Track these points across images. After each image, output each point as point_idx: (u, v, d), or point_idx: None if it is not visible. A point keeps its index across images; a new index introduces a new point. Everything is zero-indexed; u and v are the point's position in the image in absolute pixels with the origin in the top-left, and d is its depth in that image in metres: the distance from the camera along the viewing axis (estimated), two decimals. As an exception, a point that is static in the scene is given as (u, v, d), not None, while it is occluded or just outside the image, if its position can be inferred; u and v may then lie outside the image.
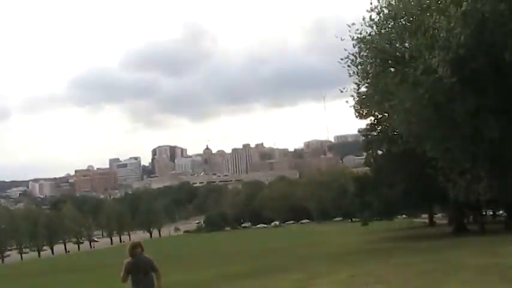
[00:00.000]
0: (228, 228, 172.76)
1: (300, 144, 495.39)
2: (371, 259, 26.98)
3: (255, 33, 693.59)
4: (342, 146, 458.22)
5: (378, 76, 36.58)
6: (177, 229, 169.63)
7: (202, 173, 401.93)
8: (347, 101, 54.19)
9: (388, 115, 39.47)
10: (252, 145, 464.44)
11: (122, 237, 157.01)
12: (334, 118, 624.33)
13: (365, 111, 59.48)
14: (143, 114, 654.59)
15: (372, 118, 61.42)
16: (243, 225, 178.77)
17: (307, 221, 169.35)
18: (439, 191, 51.25)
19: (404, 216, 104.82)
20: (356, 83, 43.30)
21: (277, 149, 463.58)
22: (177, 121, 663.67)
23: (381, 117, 57.09)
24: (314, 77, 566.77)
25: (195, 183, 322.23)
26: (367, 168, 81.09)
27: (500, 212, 75.90)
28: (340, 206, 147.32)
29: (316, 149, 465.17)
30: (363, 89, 44.74)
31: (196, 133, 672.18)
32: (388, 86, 34.97)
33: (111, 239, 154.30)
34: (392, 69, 35.59)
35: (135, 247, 11.68)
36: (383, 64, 36.07)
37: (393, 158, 56.41)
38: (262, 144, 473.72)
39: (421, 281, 14.70)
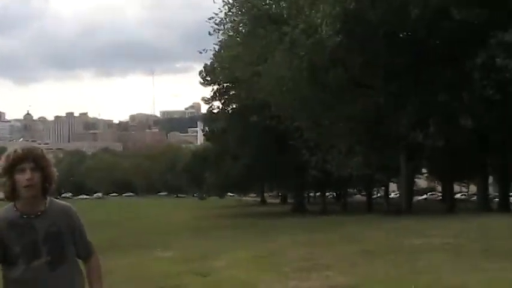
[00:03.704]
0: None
1: (125, 117, 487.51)
2: (253, 236, 23.50)
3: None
4: (168, 122, 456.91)
5: (249, 35, 33.27)
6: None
7: (22, 139, 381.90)
8: (212, 63, 50.90)
9: (252, 80, 35.88)
10: (76, 114, 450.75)
11: None
12: (162, 93, 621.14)
13: (211, 78, 56.30)
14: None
15: (216, 87, 58.41)
16: (64, 195, 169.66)
17: (131, 194, 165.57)
18: (287, 166, 49.55)
19: (231, 194, 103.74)
20: (220, 45, 40.00)
21: (102, 120, 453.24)
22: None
23: (229, 85, 54.04)
24: (146, 50, 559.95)
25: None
26: (191, 144, 78.34)
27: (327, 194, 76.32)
28: (167, 180, 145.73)
29: (141, 122, 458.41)
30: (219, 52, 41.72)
31: (17, 97, 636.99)
32: (261, 47, 31.79)
33: None
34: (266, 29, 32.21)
35: (21, 161, 3.43)
36: (257, 23, 32.65)
37: (240, 129, 53.18)
38: (87, 114, 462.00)
39: (378, 265, 11.35)
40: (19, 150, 3.48)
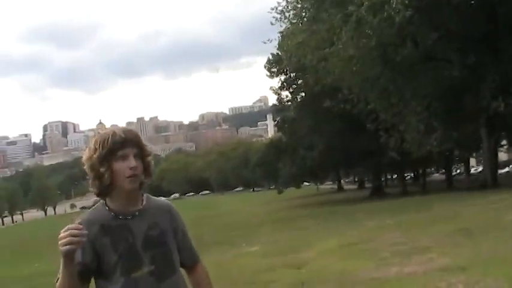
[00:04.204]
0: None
1: (194, 117, 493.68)
2: (338, 223, 22.88)
3: (150, 4, 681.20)
4: (237, 117, 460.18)
5: (313, 20, 32.66)
6: (73, 206, 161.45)
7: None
8: (276, 53, 50.64)
9: (320, 65, 35.07)
10: (147, 118, 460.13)
11: (14, 217, 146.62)
12: (228, 90, 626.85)
13: (277, 69, 55.79)
14: (34, 89, 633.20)
15: (283, 77, 57.87)
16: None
17: (208, 192, 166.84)
18: (363, 150, 48.53)
19: (307, 183, 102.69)
20: (283, 34, 39.62)
21: (172, 121, 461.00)
22: (70, 95, 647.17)
23: (297, 74, 53.32)
24: (209, 48, 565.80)
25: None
26: (262, 138, 77.71)
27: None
28: (241, 176, 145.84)
29: (211, 120, 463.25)
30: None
31: (89, 107, 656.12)
32: (326, 30, 31.10)
33: (3, 220, 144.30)
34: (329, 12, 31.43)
35: (123, 146, 2.66)
36: (319, 6, 31.98)
37: (312, 117, 52.33)
38: (157, 117, 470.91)
39: (482, 244, 10.52)
40: (119, 133, 2.69)
